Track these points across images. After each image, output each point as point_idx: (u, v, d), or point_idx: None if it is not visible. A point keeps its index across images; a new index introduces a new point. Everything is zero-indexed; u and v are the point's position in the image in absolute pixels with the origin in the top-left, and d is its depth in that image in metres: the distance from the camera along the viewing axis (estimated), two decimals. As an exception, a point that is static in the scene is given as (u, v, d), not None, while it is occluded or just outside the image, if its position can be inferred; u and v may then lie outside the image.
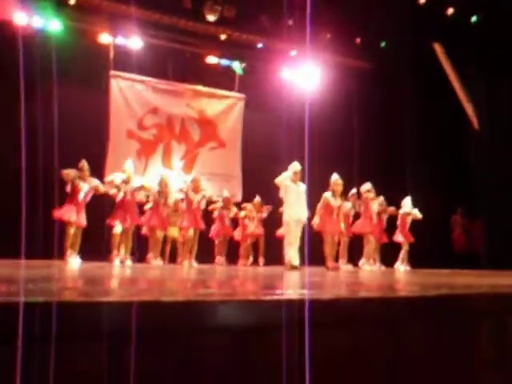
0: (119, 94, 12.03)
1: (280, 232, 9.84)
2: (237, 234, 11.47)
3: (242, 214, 11.46)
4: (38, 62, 7.22)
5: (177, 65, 12.28)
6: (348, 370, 2.05)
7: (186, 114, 12.84)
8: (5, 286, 2.42)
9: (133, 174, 9.46)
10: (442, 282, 4.30)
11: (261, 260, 11.42)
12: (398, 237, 11.26)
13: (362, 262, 10.48)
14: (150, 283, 3.51)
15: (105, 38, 11.55)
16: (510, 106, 11.68)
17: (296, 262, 7.72)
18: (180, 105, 12.76)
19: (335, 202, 9.28)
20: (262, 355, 1.84)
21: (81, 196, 8.89)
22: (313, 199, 8.73)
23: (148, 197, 9.93)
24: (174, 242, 10.59)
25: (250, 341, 1.83)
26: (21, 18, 10.41)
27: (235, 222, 11.59)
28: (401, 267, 10.97)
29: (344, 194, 9.78)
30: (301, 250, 7.79)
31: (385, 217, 11.26)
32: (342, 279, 4.94)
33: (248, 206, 11.52)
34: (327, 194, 9.25)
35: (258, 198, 11.44)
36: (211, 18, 11.63)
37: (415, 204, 11.27)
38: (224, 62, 12.96)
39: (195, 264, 9.66)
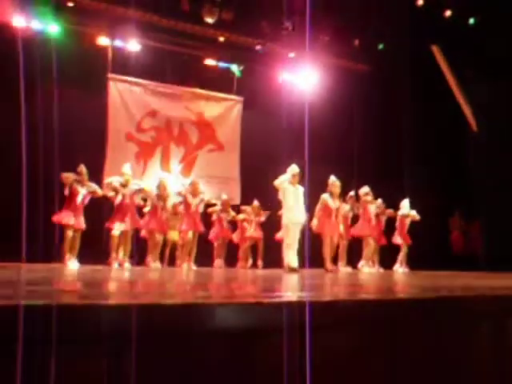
0: (117, 97, 12.03)
1: (279, 235, 9.84)
2: (235, 237, 11.47)
3: (241, 216, 11.45)
4: (36, 65, 7.23)
5: (175, 67, 12.28)
6: (347, 372, 2.05)
7: (184, 117, 12.83)
8: (5, 289, 2.42)
9: (131, 177, 9.46)
10: (441, 284, 4.31)
11: (260, 263, 11.41)
12: (397, 239, 11.28)
13: (361, 264, 10.49)
14: (149, 286, 3.51)
15: (103, 41, 11.54)
16: (508, 107, 11.70)
17: (295, 264, 7.73)
18: (178, 107, 12.76)
19: (333, 203, 9.28)
20: (261, 357, 1.84)
21: (79, 199, 8.90)
22: (312, 201, 8.74)
23: (146, 200, 9.93)
24: (174, 245, 10.58)
25: (249, 343, 1.84)
26: (20, 21, 10.41)
27: (234, 225, 11.58)
28: (399, 269, 10.99)
29: (342, 196, 9.79)
30: (300, 252, 7.80)
31: (383, 219, 11.27)
32: (341, 281, 4.94)
33: (247, 208, 11.51)
34: (325, 196, 9.25)
35: (256, 203, 11.42)
36: (209, 20, 11.62)
37: (413, 206, 11.29)
38: (222, 64, 12.96)
39: (194, 267, 9.65)
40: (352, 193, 10.73)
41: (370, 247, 10.54)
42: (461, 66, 12.98)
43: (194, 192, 9.85)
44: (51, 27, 10.91)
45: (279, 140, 11.61)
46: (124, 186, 9.23)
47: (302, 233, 8.09)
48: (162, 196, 9.82)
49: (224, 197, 11.29)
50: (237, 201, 12.53)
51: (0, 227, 8.48)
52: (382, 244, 11.17)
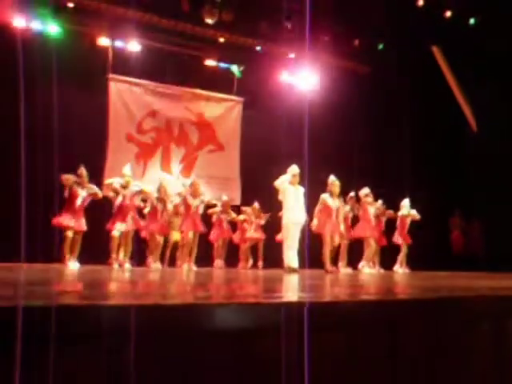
0: (118, 98, 12.03)
1: (279, 237, 9.84)
2: (236, 238, 11.47)
3: (241, 217, 11.45)
4: (36, 66, 7.22)
5: (175, 68, 12.28)
6: (347, 373, 2.05)
7: (184, 117, 12.84)
8: (5, 290, 2.42)
9: (131, 178, 9.45)
10: (441, 285, 4.31)
11: (260, 263, 11.41)
12: (397, 239, 11.28)
13: (361, 264, 10.48)
14: (150, 287, 3.51)
15: (103, 41, 11.54)
16: (507, 107, 11.71)
17: (295, 264, 7.72)
18: (178, 108, 12.76)
19: (333, 202, 9.25)
20: (261, 358, 1.84)
21: (78, 202, 8.90)
22: (312, 202, 8.74)
23: (146, 201, 9.92)
24: (175, 246, 10.55)
25: (249, 344, 1.83)
26: (20, 22, 10.41)
27: (234, 226, 11.58)
28: (399, 270, 10.98)
29: (343, 196, 9.78)
30: (300, 253, 7.79)
31: (383, 220, 11.27)
32: (341, 282, 4.94)
33: (247, 209, 11.50)
34: (325, 196, 9.20)
35: (256, 204, 11.42)
36: (210, 21, 11.62)
37: (413, 206, 11.28)
38: (222, 65, 12.97)
39: (194, 267, 9.64)
40: (352, 194, 10.73)
41: (370, 248, 10.52)
42: (461, 67, 12.99)
43: (195, 193, 9.83)
44: (51, 28, 10.91)
45: (279, 140, 11.60)
46: (124, 187, 9.22)
47: (302, 233, 8.08)
48: (162, 199, 9.82)
49: (224, 198, 11.29)
50: (237, 201, 12.54)
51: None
52: (383, 245, 11.17)
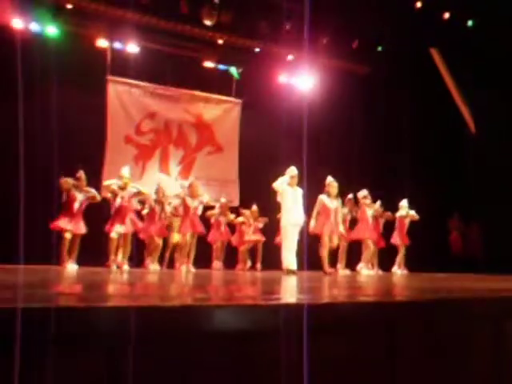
0: (116, 99, 12.03)
1: (278, 239, 9.83)
2: (234, 240, 11.46)
3: (240, 219, 11.44)
4: (35, 68, 7.23)
5: (174, 69, 12.28)
6: (346, 375, 2.05)
7: (183, 119, 12.84)
8: (4, 292, 2.42)
9: (130, 180, 9.44)
10: (440, 286, 4.31)
11: (258, 265, 11.40)
12: (396, 239, 11.28)
13: (360, 266, 10.48)
14: (148, 288, 3.51)
15: (102, 43, 11.55)
16: (506, 109, 11.72)
17: (293, 266, 7.71)
18: (177, 109, 12.77)
19: (331, 203, 9.21)
20: (260, 360, 1.84)
21: (76, 205, 8.91)
22: (310, 203, 8.74)
23: (144, 204, 9.92)
24: (175, 248, 10.54)
25: (247, 346, 1.83)
26: (18, 23, 10.41)
27: (232, 227, 11.57)
28: (398, 271, 10.99)
29: (341, 197, 9.76)
30: (298, 254, 7.78)
31: (382, 221, 11.27)
32: (339, 284, 4.94)
33: (246, 212, 11.49)
34: (322, 196, 9.15)
35: (255, 207, 11.41)
36: (208, 22, 11.62)
37: (412, 207, 11.29)
38: (221, 66, 12.97)
39: (193, 269, 9.63)
40: (351, 195, 10.73)
41: (369, 250, 10.53)
42: (459, 68, 13.00)
43: (193, 194, 9.83)
44: (50, 29, 10.92)
45: (278, 142, 11.61)
46: (122, 188, 9.21)
47: (301, 235, 8.08)
48: (160, 201, 9.83)
49: (223, 200, 11.28)
50: (236, 203, 12.53)
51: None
52: (381, 247, 11.17)
